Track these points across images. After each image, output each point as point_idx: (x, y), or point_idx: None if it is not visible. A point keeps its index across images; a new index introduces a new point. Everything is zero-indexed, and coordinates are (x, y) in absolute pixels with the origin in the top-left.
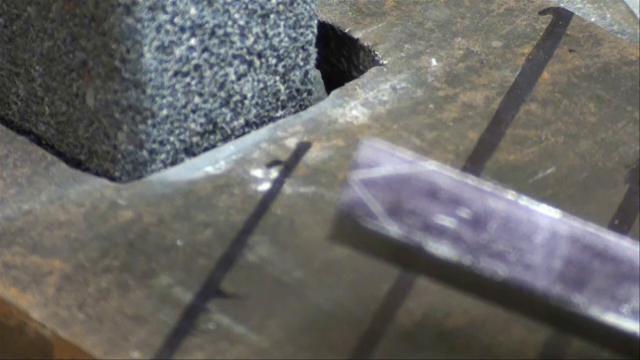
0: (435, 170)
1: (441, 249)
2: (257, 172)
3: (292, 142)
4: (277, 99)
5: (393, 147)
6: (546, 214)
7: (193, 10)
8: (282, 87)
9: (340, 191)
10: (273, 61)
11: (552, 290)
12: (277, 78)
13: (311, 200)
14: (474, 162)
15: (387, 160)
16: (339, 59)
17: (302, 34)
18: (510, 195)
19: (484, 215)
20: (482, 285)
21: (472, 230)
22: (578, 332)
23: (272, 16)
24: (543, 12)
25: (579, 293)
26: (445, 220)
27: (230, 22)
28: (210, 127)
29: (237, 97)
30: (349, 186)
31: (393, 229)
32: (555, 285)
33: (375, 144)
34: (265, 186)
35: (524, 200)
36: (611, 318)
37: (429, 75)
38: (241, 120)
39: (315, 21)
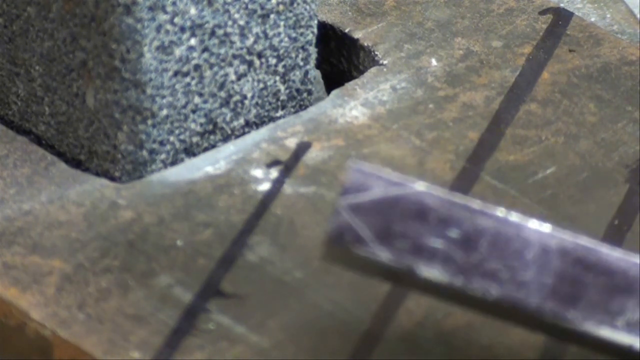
0: (424, 191)
1: (433, 272)
2: (257, 172)
3: (292, 142)
4: (277, 99)
5: (380, 169)
6: (536, 229)
7: (193, 10)
8: (282, 87)
9: (329, 218)
10: (273, 61)
11: (545, 306)
12: (277, 78)
13: (311, 200)
14: (474, 162)
15: (375, 183)
16: (339, 59)
17: (302, 34)
18: (500, 212)
19: (474, 235)
20: (476, 306)
21: (463, 250)
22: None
23: (272, 16)
24: (543, 12)
25: (573, 308)
26: (436, 242)
27: (230, 22)
28: (210, 127)
29: (237, 97)
30: (338, 212)
31: (384, 254)
32: (548, 302)
33: (362, 167)
34: (265, 186)
35: (514, 216)
36: (606, 332)
37: (429, 75)
38: (241, 120)
39: (315, 21)
